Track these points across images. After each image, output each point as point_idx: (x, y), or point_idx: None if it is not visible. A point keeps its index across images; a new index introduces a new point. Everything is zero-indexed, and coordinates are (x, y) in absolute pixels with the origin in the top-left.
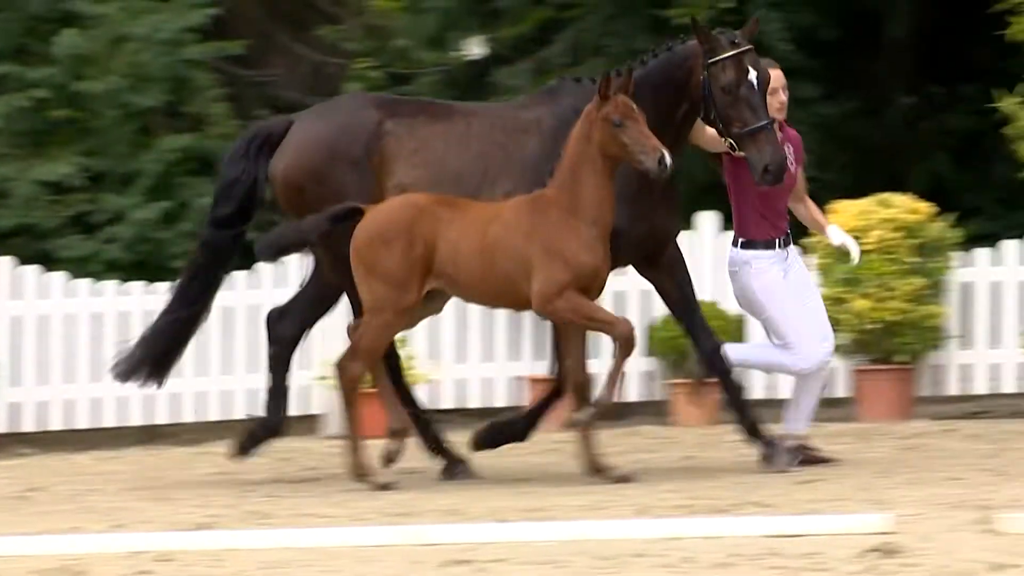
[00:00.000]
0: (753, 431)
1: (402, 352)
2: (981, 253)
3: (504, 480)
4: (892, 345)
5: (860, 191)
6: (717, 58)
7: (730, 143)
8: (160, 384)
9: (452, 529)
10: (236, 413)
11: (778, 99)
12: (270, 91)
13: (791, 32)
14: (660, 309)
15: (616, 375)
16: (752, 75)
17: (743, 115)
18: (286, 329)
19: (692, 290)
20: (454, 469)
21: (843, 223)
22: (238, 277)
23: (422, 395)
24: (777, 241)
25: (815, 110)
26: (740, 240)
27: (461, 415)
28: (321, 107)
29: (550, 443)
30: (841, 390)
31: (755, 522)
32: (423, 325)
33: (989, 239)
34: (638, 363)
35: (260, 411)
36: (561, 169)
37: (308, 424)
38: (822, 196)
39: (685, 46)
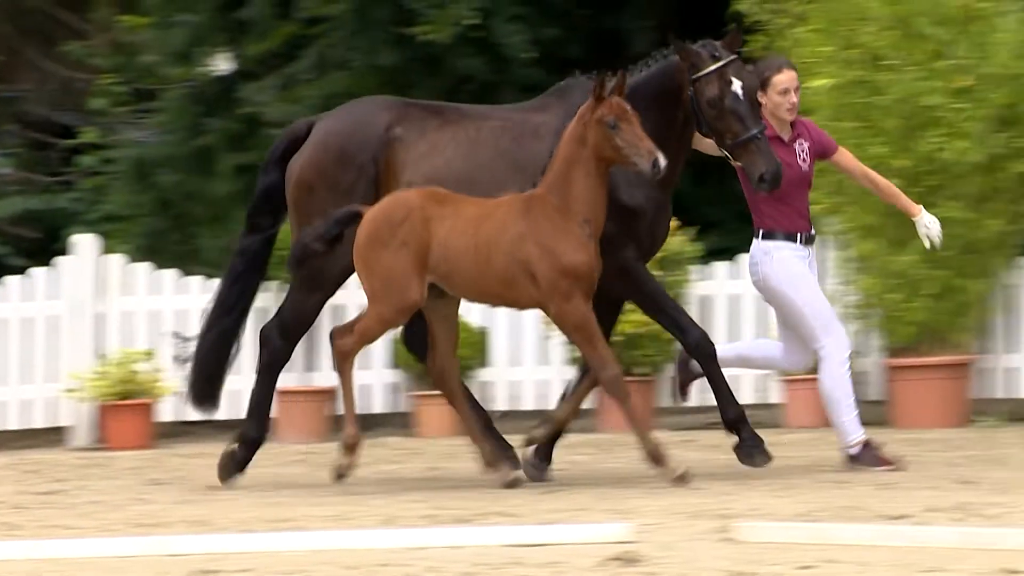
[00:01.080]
0: (736, 423)
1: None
2: (719, 267)
3: (252, 491)
4: (633, 357)
5: None
6: (700, 73)
7: (725, 155)
8: (215, 408)
9: (198, 540)
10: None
11: (789, 100)
12: (19, 106)
13: (536, 47)
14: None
15: (579, 400)
16: (736, 86)
17: (732, 127)
18: (279, 342)
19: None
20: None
21: None
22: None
23: None
24: (799, 236)
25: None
26: (760, 231)
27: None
28: (341, 109)
29: (297, 454)
30: (584, 402)
31: (498, 532)
32: None
33: (727, 253)
34: (383, 375)
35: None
36: (553, 170)
37: (56, 436)
38: None
39: (673, 60)
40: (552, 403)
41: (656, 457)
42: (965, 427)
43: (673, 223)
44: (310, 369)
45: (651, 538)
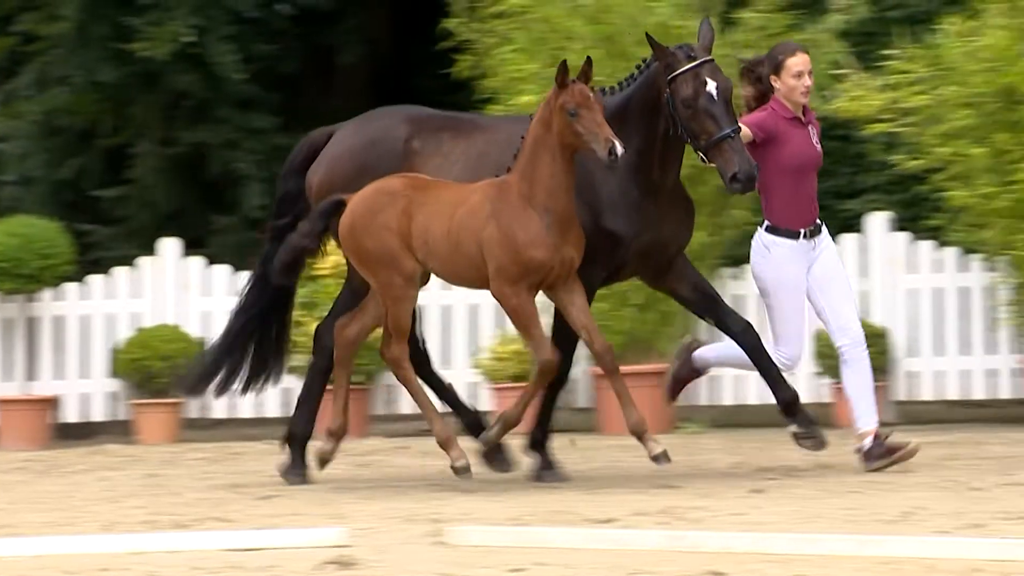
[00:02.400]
0: (790, 408)
1: None
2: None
3: None
4: None
5: None
6: (675, 73)
7: (700, 156)
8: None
9: None
10: None
11: (804, 83)
12: None
13: (250, 64)
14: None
15: (530, 396)
16: (711, 86)
17: (706, 126)
18: (330, 341)
19: (708, 285)
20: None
21: None
22: None
23: None
24: (802, 232)
25: (270, 141)
26: (766, 223)
27: None
28: (359, 120)
29: (17, 462)
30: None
31: (216, 536)
32: None
33: None
34: (103, 384)
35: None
36: (522, 155)
37: None
38: None
39: (654, 65)
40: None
41: (641, 432)
42: (670, 433)
43: None
44: (31, 378)
45: (366, 542)
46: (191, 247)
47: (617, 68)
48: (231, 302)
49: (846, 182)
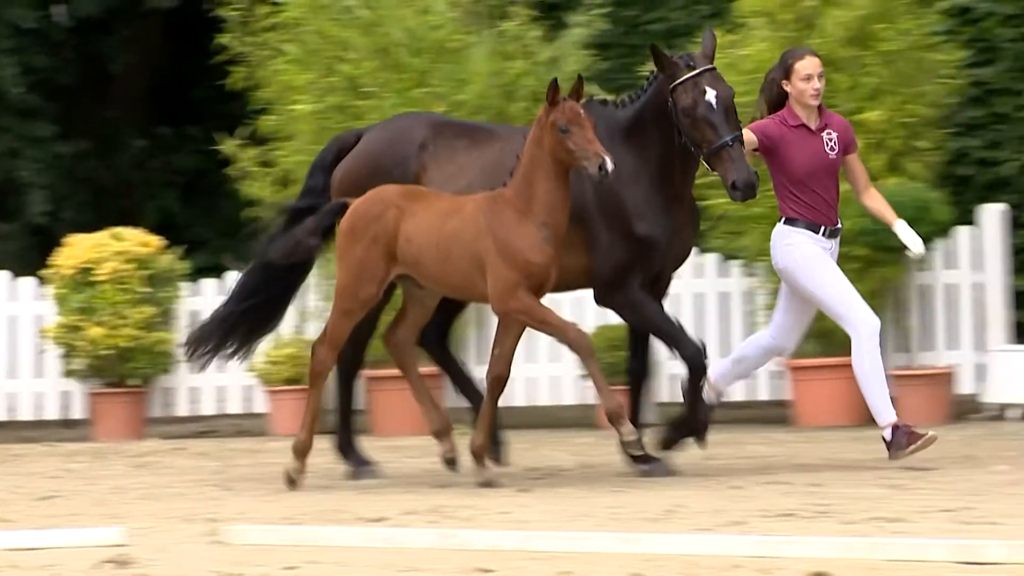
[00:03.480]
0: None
1: None
2: (208, 283)
3: None
4: (125, 369)
5: (96, 226)
6: (676, 82)
7: (704, 163)
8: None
9: None
10: None
11: (813, 86)
12: None
13: (28, 76)
14: None
15: (599, 381)
16: (710, 95)
17: (706, 135)
18: (347, 350)
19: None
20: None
21: (78, 256)
22: None
23: None
24: (822, 228)
25: (51, 150)
26: (783, 218)
27: None
28: (385, 122)
29: None
30: (78, 412)
31: None
32: None
33: (215, 270)
34: None
35: None
36: (518, 171)
37: None
38: (59, 231)
39: (660, 78)
40: None
41: (616, 415)
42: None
43: (160, 242)
44: None
45: (143, 541)
46: None
47: (391, 79)
48: (9, 308)
49: None
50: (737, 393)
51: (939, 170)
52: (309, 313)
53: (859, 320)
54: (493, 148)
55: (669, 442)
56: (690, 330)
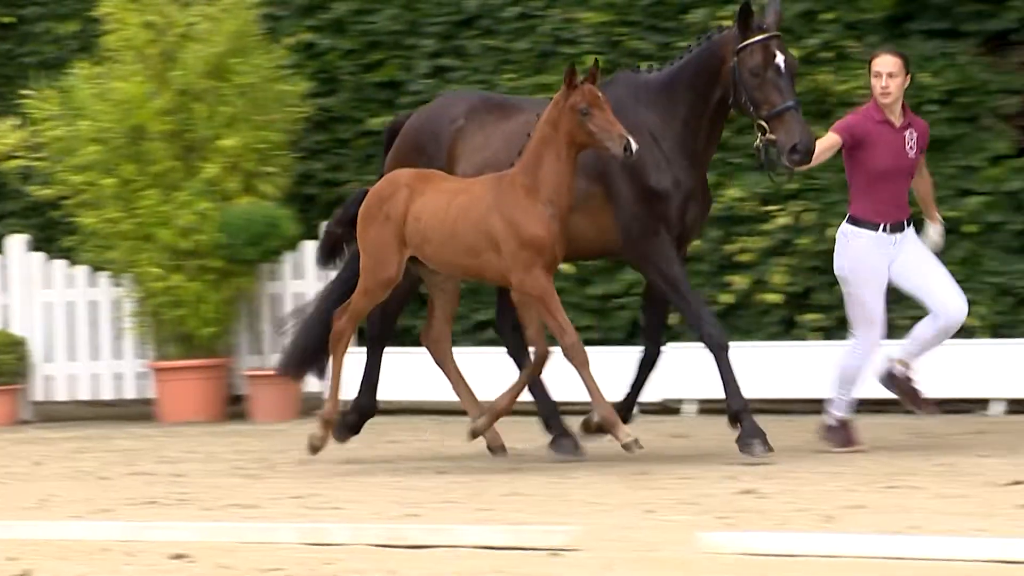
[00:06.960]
0: (738, 415)
1: None
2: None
3: None
4: None
5: None
6: (746, 43)
7: (760, 125)
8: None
9: None
10: None
11: (880, 84)
12: None
13: None
14: None
15: (594, 390)
16: (780, 59)
17: (770, 96)
18: (375, 316)
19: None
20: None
21: None
22: None
23: None
24: (882, 225)
25: None
26: (848, 215)
27: None
28: (436, 100)
29: None
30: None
31: None
32: None
33: None
34: None
35: None
36: (527, 151)
37: None
38: None
39: (720, 35)
40: None
41: (611, 423)
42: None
43: None
44: None
45: None
46: None
47: None
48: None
49: None
50: (105, 392)
51: (288, 190)
52: None
53: (870, 337)
54: (518, 119)
55: (735, 421)
56: (62, 337)
